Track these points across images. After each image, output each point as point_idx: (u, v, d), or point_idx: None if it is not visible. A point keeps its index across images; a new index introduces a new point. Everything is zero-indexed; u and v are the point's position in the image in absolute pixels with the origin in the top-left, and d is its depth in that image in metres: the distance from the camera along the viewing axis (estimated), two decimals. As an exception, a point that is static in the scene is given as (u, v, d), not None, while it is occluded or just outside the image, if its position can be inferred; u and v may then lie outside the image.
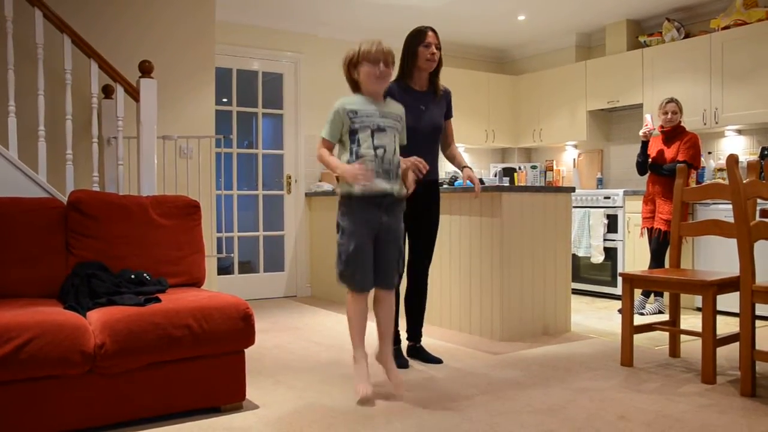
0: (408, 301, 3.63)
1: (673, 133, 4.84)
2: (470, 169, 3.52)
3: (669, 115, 4.82)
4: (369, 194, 2.80)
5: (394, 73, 3.36)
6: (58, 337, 2.30)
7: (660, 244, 4.80)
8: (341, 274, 2.87)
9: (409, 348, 3.66)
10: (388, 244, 2.88)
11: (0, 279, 2.83)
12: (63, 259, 2.99)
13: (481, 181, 5.56)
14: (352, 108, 2.85)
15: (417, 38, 3.41)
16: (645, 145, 4.92)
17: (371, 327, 3.06)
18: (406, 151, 3.32)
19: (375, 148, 2.82)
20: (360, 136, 2.82)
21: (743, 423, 2.54)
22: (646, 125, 4.94)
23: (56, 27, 3.51)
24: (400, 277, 3.03)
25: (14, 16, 3.42)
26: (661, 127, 4.90)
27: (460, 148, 7.28)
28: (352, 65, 2.90)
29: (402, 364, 3.43)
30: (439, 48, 3.43)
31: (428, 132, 3.46)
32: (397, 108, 3.01)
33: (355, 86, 2.95)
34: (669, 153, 4.82)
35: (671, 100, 4.84)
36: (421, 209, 3.48)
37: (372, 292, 2.93)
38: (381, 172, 2.83)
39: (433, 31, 3.43)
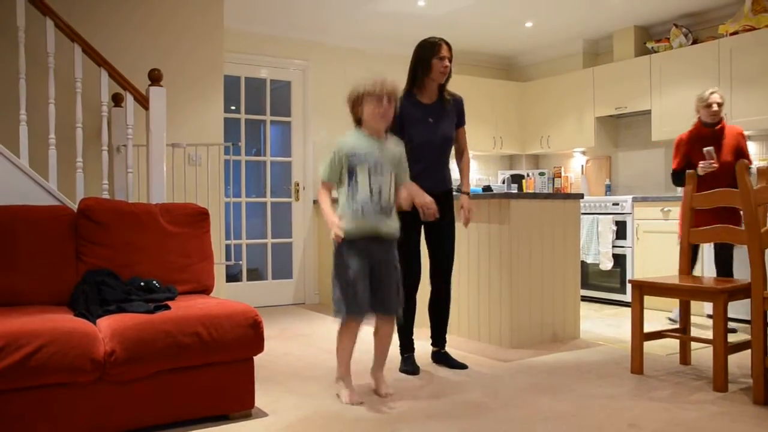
0: (431, 308, 3.66)
1: (720, 128, 4.34)
2: (468, 197, 3.57)
3: (714, 107, 4.26)
4: (362, 235, 2.86)
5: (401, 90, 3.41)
6: (68, 345, 2.30)
7: (729, 253, 4.36)
8: (338, 304, 2.90)
9: (433, 354, 3.69)
10: (384, 271, 2.93)
11: (11, 286, 2.84)
12: (73, 266, 3.00)
13: (489, 188, 5.57)
14: (350, 148, 2.90)
15: (431, 50, 3.43)
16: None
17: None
18: (419, 164, 3.34)
19: (371, 188, 2.87)
20: (358, 176, 2.87)
21: (756, 431, 2.51)
22: (712, 162, 4.23)
23: (67, 36, 3.54)
24: (401, 303, 3.05)
25: (26, 26, 3.45)
26: (700, 123, 4.38)
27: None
28: (357, 102, 2.93)
29: (413, 370, 3.46)
30: (451, 61, 3.46)
31: (439, 145, 3.50)
32: (396, 148, 3.03)
33: (359, 122, 2.99)
34: (725, 155, 4.28)
35: (715, 91, 4.28)
36: (437, 223, 3.48)
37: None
38: (377, 211, 2.88)
39: (447, 44, 3.46)
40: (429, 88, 3.49)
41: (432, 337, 3.69)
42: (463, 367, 3.55)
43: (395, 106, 2.94)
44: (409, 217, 3.30)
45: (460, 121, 3.62)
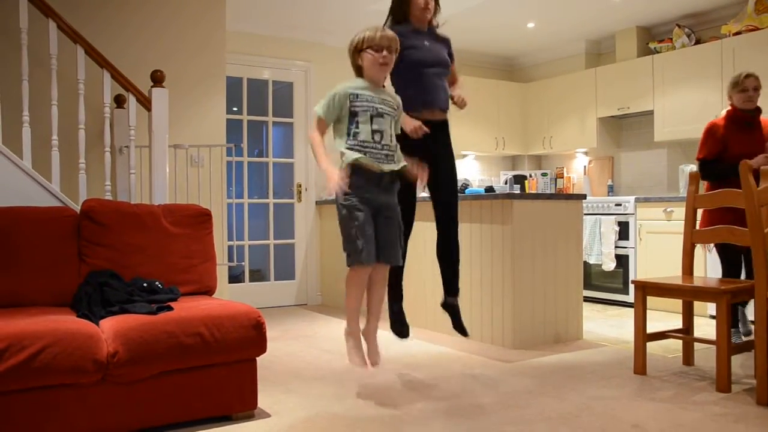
0: (440, 255, 3.51)
1: (755, 116, 3.90)
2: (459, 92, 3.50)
3: (750, 92, 3.83)
4: (366, 167, 2.83)
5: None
6: (71, 346, 2.31)
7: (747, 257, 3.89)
8: (349, 252, 2.88)
9: (443, 302, 3.53)
10: (387, 220, 2.95)
11: (13, 287, 2.85)
12: (76, 267, 3.00)
13: (491, 189, 5.57)
14: (353, 91, 2.91)
15: None
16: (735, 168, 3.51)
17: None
18: (415, 86, 3.32)
19: (373, 132, 2.88)
20: (359, 119, 2.88)
21: (759, 432, 2.51)
22: None
23: (70, 38, 3.55)
24: (404, 256, 3.06)
25: (29, 27, 3.46)
26: (733, 109, 3.91)
27: (470, 155, 7.29)
28: (356, 51, 2.95)
29: (402, 331, 3.46)
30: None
31: (435, 63, 3.41)
32: (394, 97, 3.07)
33: (359, 71, 3.01)
34: (761, 145, 3.83)
35: (750, 74, 3.84)
36: (434, 154, 3.36)
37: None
38: (380, 156, 2.89)
39: None
40: (417, 22, 3.43)
41: (444, 285, 3.52)
42: (464, 334, 3.47)
43: (395, 54, 2.96)
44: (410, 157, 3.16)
45: (450, 57, 3.55)
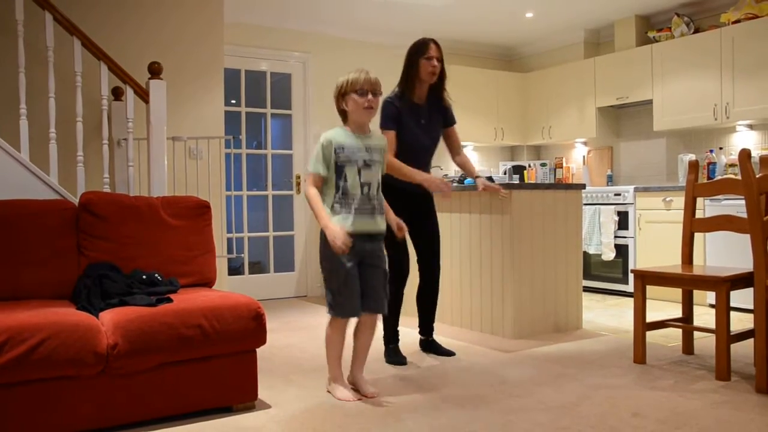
0: (420, 297, 3.71)
1: None
2: (482, 178, 3.65)
3: None
4: (357, 233, 2.77)
5: (391, 87, 3.46)
6: (71, 338, 2.31)
7: None
8: (332, 304, 2.83)
9: (421, 342, 3.75)
10: (373, 269, 2.87)
11: (13, 281, 2.85)
12: (75, 260, 3.00)
13: (491, 179, 5.57)
14: (338, 143, 2.80)
15: (419, 51, 3.45)
16: None
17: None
18: (405, 163, 3.39)
19: (361, 185, 2.81)
20: (347, 173, 2.79)
21: (759, 420, 2.51)
22: None
23: (66, 30, 3.53)
24: (388, 299, 3.00)
25: (25, 20, 3.44)
26: None
27: (469, 146, 7.28)
28: (340, 96, 2.85)
29: (401, 361, 3.48)
30: (440, 61, 3.46)
31: (429, 146, 3.58)
32: (380, 140, 2.97)
33: (344, 116, 2.90)
34: None
35: None
36: (420, 216, 3.59)
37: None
38: (369, 209, 2.84)
39: (436, 43, 3.47)
40: (420, 89, 3.50)
41: (420, 326, 3.75)
42: (450, 354, 3.62)
43: (379, 97, 2.87)
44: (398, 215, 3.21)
45: (450, 120, 3.66)
